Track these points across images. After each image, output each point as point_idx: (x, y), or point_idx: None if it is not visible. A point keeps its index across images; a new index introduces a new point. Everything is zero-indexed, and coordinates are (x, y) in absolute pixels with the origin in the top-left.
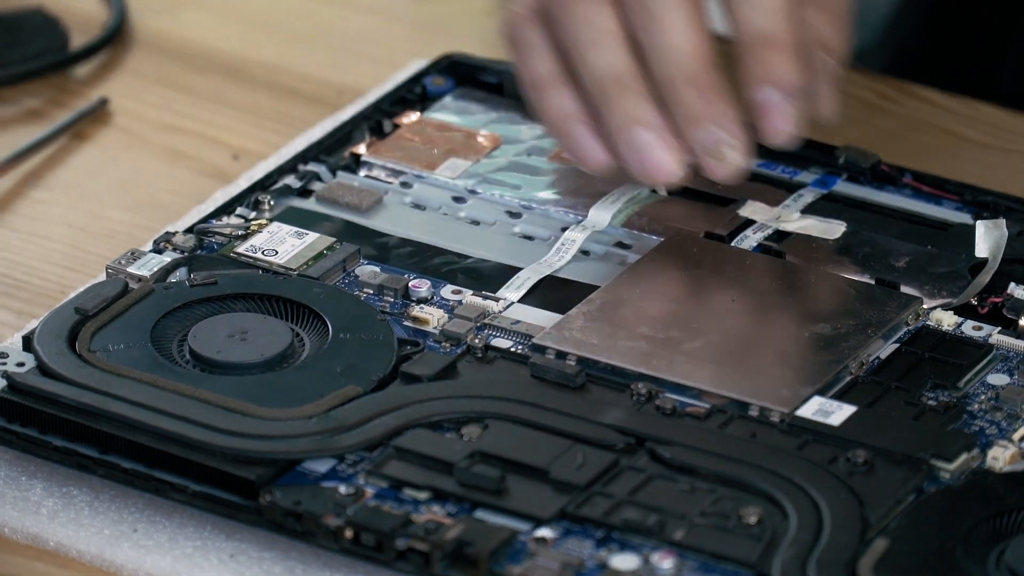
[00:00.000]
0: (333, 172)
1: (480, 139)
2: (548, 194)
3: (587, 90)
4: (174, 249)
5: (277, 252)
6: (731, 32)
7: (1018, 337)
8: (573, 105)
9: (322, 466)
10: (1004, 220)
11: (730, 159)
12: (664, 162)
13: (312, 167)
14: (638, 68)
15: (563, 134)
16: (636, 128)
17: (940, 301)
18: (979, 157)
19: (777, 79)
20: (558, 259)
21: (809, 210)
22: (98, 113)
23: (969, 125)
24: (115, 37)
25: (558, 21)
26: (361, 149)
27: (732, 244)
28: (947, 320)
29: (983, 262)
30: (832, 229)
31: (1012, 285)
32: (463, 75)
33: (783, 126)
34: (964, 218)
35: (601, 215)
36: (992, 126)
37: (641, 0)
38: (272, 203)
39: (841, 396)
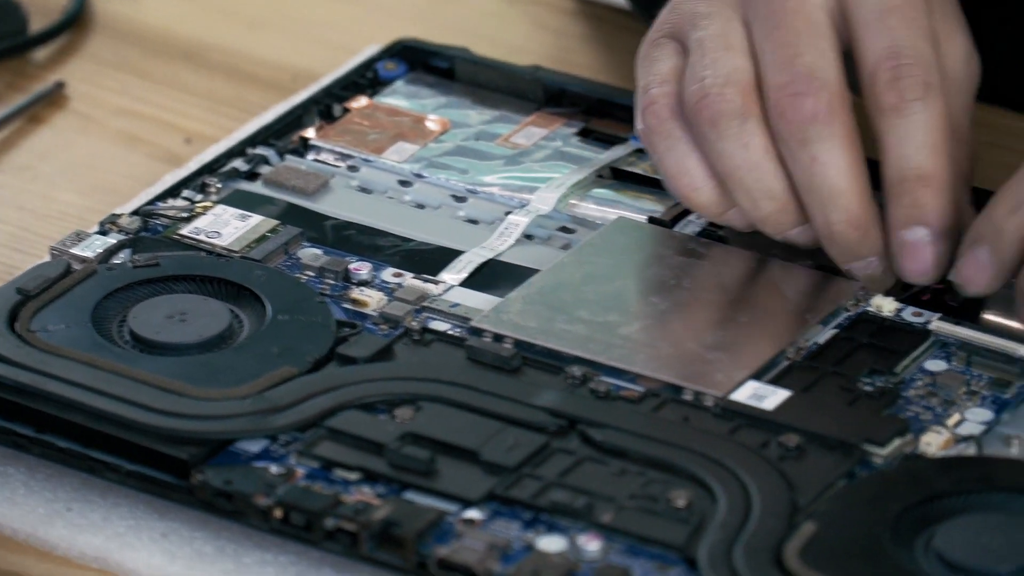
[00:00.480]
0: (281, 156)
1: (429, 123)
2: (494, 178)
3: (739, 201)
4: (119, 231)
5: (220, 234)
6: (884, 168)
7: (957, 324)
8: (723, 203)
9: (255, 446)
10: None
11: (885, 282)
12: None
13: (261, 151)
14: (791, 187)
15: (716, 220)
16: (790, 238)
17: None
18: None
19: (930, 218)
20: (501, 243)
21: None
22: (54, 97)
23: None
24: (74, 22)
25: (705, 136)
26: (310, 133)
27: (676, 229)
28: (887, 306)
29: None
30: None
31: (952, 272)
32: (415, 60)
33: (927, 268)
34: None
35: (546, 199)
36: None
37: (804, 142)
38: (219, 186)
39: (777, 381)
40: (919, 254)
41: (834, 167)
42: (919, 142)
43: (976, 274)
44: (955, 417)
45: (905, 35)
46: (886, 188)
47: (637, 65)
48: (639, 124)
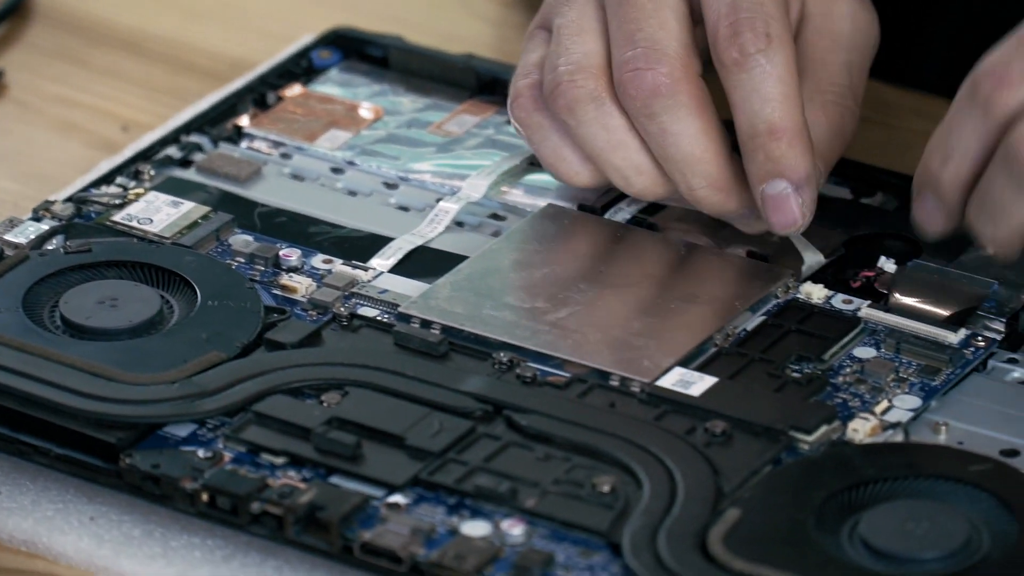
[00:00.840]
0: (215, 143)
1: (362, 111)
2: (425, 165)
3: (611, 180)
4: (52, 217)
5: (152, 221)
6: (737, 125)
7: (887, 311)
8: (600, 178)
9: (183, 430)
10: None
11: (762, 225)
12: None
13: (195, 138)
14: (654, 159)
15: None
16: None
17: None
18: (862, 133)
19: (786, 170)
20: (431, 230)
21: None
22: None
23: None
24: (15, 10)
25: (566, 123)
26: (244, 121)
27: (605, 216)
28: (817, 293)
29: (861, 236)
30: None
31: (882, 259)
32: (349, 48)
33: (793, 218)
34: (842, 193)
35: (477, 186)
36: (876, 102)
37: (651, 115)
38: (153, 173)
39: (704, 367)
40: (783, 206)
41: (685, 135)
42: (765, 95)
43: (928, 220)
44: (883, 404)
45: None
46: (740, 145)
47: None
48: (511, 122)
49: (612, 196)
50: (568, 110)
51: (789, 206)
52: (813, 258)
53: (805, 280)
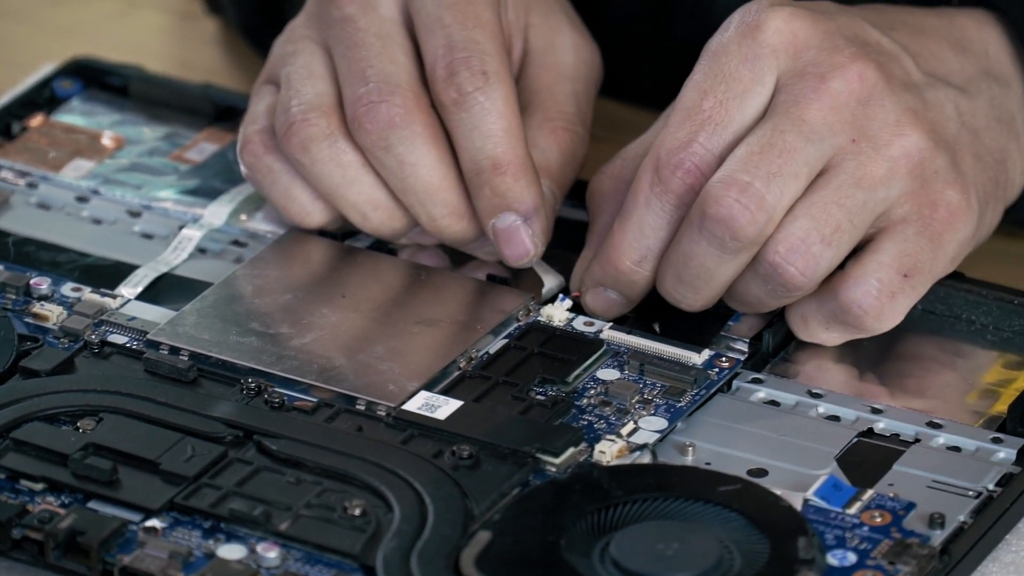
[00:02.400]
0: None
1: (104, 140)
2: (168, 193)
3: (348, 217)
4: None
5: None
6: (461, 163)
7: (629, 332)
8: (338, 218)
9: None
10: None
11: (497, 258)
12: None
13: None
14: (391, 193)
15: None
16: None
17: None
18: (595, 152)
19: (513, 203)
20: (175, 257)
21: None
22: None
23: None
24: None
25: (300, 163)
26: None
27: (346, 242)
28: (558, 316)
29: None
30: None
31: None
32: (91, 78)
33: (525, 249)
34: (580, 215)
35: (217, 213)
36: (606, 121)
37: (387, 148)
38: None
39: (449, 391)
40: (514, 238)
41: (423, 166)
42: (485, 132)
43: (607, 310)
44: (629, 426)
45: (458, 29)
46: (467, 182)
47: None
48: (241, 168)
49: None
50: (302, 148)
51: (520, 238)
52: (553, 280)
53: (546, 302)
